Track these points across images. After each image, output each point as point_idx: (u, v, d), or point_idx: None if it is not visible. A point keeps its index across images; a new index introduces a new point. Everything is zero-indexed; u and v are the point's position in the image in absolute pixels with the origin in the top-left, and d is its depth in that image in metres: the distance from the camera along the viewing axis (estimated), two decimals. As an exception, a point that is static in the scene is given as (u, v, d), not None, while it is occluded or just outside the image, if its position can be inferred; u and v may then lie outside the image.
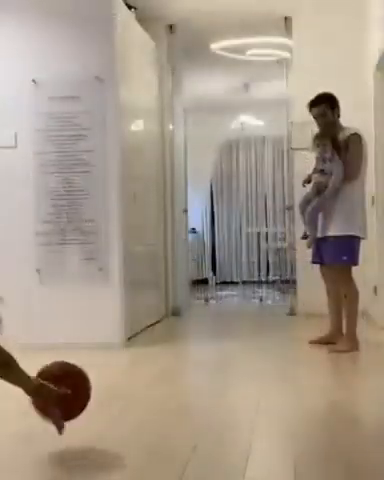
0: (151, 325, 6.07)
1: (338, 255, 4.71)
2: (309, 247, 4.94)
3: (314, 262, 4.95)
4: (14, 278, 5.14)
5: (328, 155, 4.69)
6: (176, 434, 2.86)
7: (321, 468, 2.41)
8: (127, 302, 5.17)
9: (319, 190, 4.73)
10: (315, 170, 4.81)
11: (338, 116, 4.83)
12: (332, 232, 4.72)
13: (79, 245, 5.09)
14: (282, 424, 2.96)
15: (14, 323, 5.10)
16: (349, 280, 4.76)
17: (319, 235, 4.79)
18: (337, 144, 4.70)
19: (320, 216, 4.78)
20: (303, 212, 4.88)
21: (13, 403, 3.46)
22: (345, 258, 4.69)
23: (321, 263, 4.90)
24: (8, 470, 2.44)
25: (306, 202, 4.83)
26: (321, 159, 4.75)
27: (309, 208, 4.78)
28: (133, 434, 2.83)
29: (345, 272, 4.75)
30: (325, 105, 4.81)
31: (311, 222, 4.81)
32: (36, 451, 2.64)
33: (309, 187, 4.92)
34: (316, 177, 4.78)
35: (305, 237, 4.88)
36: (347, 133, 4.70)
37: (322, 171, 4.72)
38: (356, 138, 4.67)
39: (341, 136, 4.72)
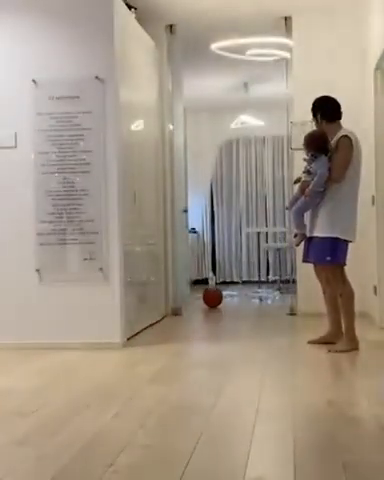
0: (151, 325, 6.07)
1: (322, 256, 4.75)
2: (297, 246, 5.06)
3: (305, 261, 4.98)
4: (14, 278, 5.14)
5: (309, 156, 4.76)
6: (176, 434, 2.86)
7: (321, 468, 2.41)
8: (127, 302, 5.17)
9: (304, 190, 4.79)
10: (304, 169, 4.86)
11: (328, 120, 4.80)
12: (317, 233, 4.77)
13: (79, 245, 5.09)
14: (282, 424, 2.96)
15: (14, 323, 5.10)
16: (342, 280, 4.78)
17: (308, 234, 4.84)
18: (313, 146, 4.74)
19: (308, 215, 4.83)
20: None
21: (12, 404, 3.47)
22: (329, 259, 4.73)
23: (311, 262, 4.94)
24: (7, 470, 2.44)
25: (294, 201, 4.92)
26: (307, 160, 4.81)
27: (294, 208, 4.86)
28: (133, 434, 2.84)
29: (337, 272, 4.77)
30: (312, 112, 4.86)
31: (296, 221, 4.89)
32: (35, 451, 2.64)
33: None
34: (304, 177, 4.84)
35: (296, 236, 4.97)
36: (340, 135, 4.71)
37: (308, 172, 4.77)
38: (345, 140, 4.67)
39: (335, 138, 4.74)
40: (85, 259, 5.08)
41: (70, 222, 5.09)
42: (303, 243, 4.94)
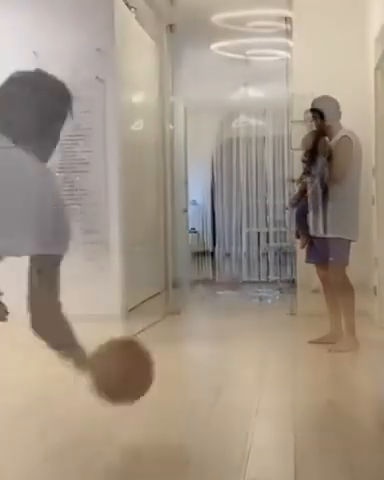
0: (150, 325, 6.05)
1: (325, 256, 4.76)
2: (302, 248, 5.04)
3: (308, 261, 4.98)
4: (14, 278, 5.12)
5: (307, 158, 4.77)
6: (176, 434, 2.86)
7: (321, 468, 2.41)
8: (126, 306, 5.15)
9: (304, 191, 4.80)
10: (304, 171, 4.86)
11: (327, 120, 4.79)
12: (319, 233, 4.77)
13: (79, 245, 5.08)
14: (282, 424, 2.96)
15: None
16: (343, 279, 4.78)
17: (312, 233, 4.84)
18: (309, 148, 4.75)
19: (311, 216, 4.83)
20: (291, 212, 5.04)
21: (12, 402, 3.46)
22: (332, 259, 4.74)
23: (313, 262, 4.94)
24: (7, 472, 2.44)
25: (295, 202, 4.93)
26: (306, 162, 4.82)
27: (296, 210, 4.89)
28: (133, 434, 2.83)
29: (339, 272, 4.78)
30: (313, 112, 4.85)
31: (299, 223, 4.91)
32: (35, 451, 2.64)
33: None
34: (304, 178, 4.84)
35: (298, 236, 4.97)
36: (340, 135, 4.71)
37: (308, 173, 4.78)
38: (345, 141, 4.67)
39: (335, 138, 4.74)
40: (87, 260, 5.07)
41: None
42: None
